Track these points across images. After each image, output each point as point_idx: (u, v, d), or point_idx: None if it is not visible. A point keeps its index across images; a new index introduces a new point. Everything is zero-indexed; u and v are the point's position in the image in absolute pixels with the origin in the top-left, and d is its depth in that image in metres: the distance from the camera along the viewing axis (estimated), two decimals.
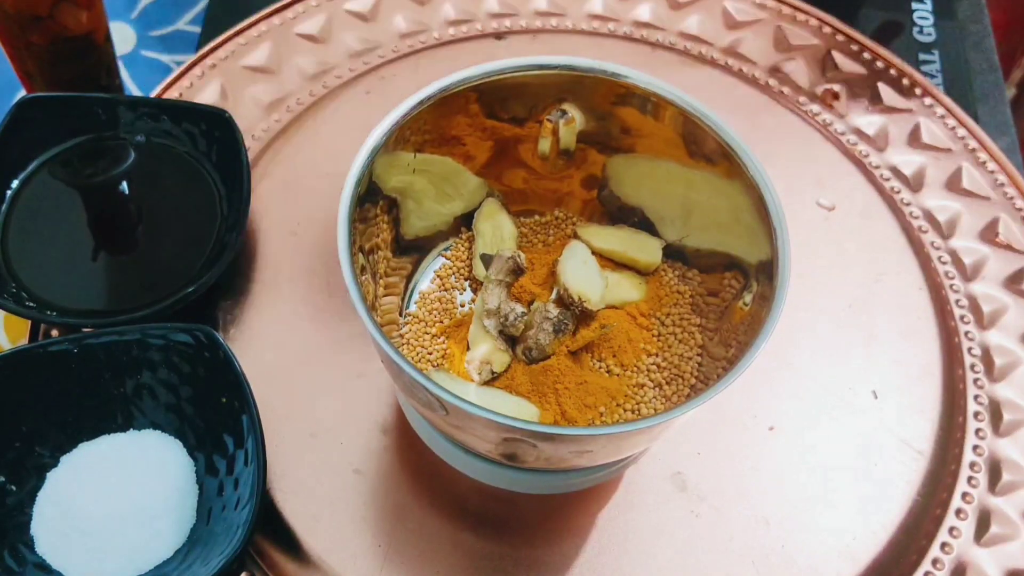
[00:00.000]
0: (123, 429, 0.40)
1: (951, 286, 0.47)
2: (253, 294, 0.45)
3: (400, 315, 0.41)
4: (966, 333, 0.46)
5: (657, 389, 0.39)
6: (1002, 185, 0.50)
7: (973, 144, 0.52)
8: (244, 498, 0.37)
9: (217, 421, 0.39)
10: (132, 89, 0.69)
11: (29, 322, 0.43)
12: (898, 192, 0.50)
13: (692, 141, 0.39)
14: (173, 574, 0.36)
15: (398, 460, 0.41)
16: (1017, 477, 0.42)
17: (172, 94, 0.51)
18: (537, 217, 0.44)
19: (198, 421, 0.40)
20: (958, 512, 0.41)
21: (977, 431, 0.43)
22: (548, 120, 0.41)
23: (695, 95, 0.38)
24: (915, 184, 0.50)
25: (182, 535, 0.37)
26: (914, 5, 0.64)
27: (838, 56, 0.55)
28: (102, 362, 0.39)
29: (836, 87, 0.54)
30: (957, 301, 0.47)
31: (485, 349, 0.39)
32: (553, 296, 0.41)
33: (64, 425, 0.39)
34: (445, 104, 0.38)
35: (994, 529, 0.40)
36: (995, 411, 0.43)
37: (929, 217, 0.49)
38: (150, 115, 0.47)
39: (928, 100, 0.54)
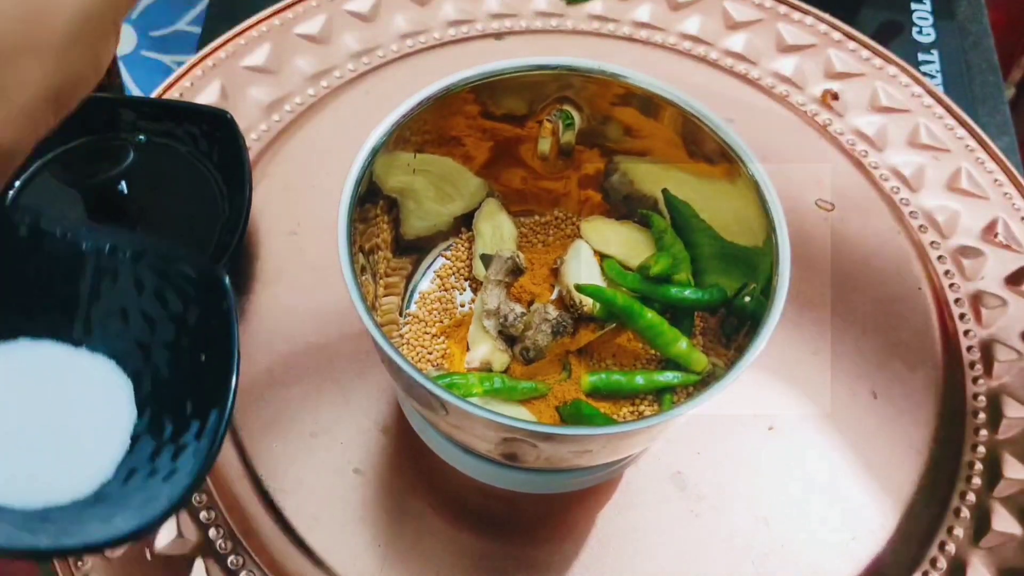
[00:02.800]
0: (74, 343, 0.34)
1: (950, 285, 0.47)
2: (253, 294, 0.45)
3: (400, 315, 0.41)
4: (965, 332, 0.46)
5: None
6: (1001, 185, 0.50)
7: (972, 144, 0.52)
8: (180, 473, 0.31)
9: (186, 378, 0.34)
10: (132, 89, 0.69)
11: None
12: (897, 192, 0.50)
13: (692, 141, 0.39)
14: (59, 522, 0.31)
15: (398, 460, 0.41)
16: (1016, 477, 0.42)
17: (172, 94, 0.51)
18: (537, 217, 0.44)
19: (164, 370, 0.34)
20: (957, 512, 0.41)
21: (976, 431, 0.43)
22: (548, 120, 0.41)
23: (695, 95, 0.38)
24: (914, 184, 0.50)
25: (88, 486, 0.32)
26: (913, 5, 0.64)
27: (838, 56, 0.55)
28: (84, 258, 0.33)
29: (836, 87, 0.54)
30: (956, 300, 0.47)
31: (485, 349, 0.39)
32: (554, 296, 0.41)
33: (9, 310, 0.33)
34: (445, 104, 0.38)
35: (992, 529, 0.40)
36: (994, 411, 0.43)
37: (928, 217, 0.49)
38: (151, 115, 0.47)
39: (927, 100, 0.54)
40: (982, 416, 0.43)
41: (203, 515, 0.39)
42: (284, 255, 0.46)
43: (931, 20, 0.63)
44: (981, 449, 0.42)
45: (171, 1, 0.74)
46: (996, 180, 0.51)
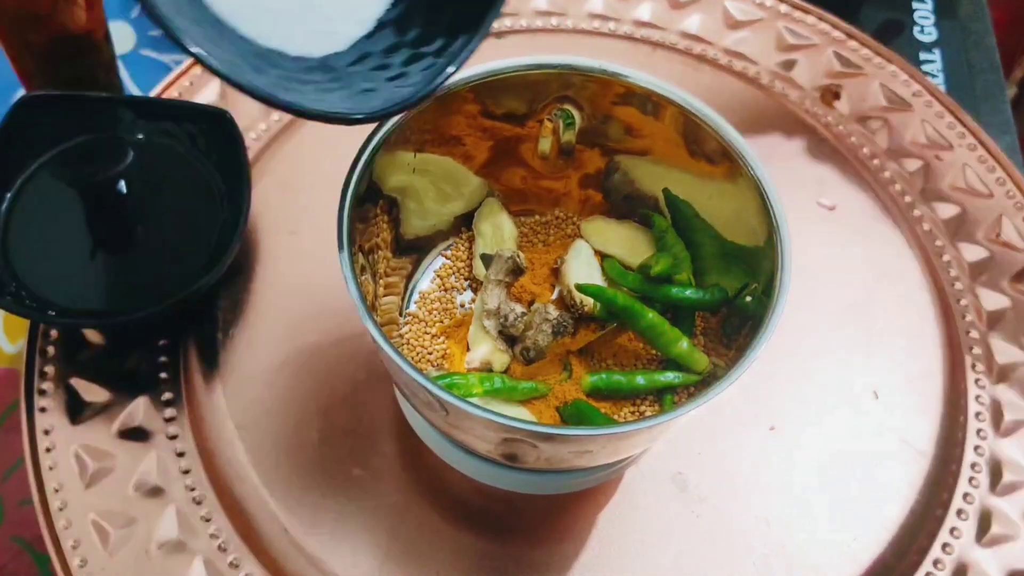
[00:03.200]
0: None
1: (952, 285, 0.47)
2: (253, 294, 0.45)
3: (400, 315, 0.41)
4: (967, 332, 0.46)
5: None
6: (1004, 184, 0.50)
7: (974, 143, 0.52)
8: (406, 79, 0.30)
9: (441, 9, 0.32)
10: (132, 89, 0.69)
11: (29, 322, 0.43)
12: (899, 191, 0.50)
13: (693, 141, 0.38)
14: (282, 73, 0.30)
15: (398, 460, 0.40)
16: (1018, 477, 0.41)
17: (172, 93, 0.51)
18: (537, 217, 0.44)
19: None
20: (959, 512, 0.41)
21: (978, 431, 0.43)
22: (548, 120, 0.41)
23: (695, 95, 0.38)
24: (916, 184, 0.50)
25: (319, 48, 0.31)
26: (915, 4, 0.64)
27: (839, 55, 0.55)
28: None
29: (837, 86, 0.54)
30: (959, 300, 0.47)
31: (485, 349, 0.39)
32: (554, 296, 0.41)
33: None
34: (445, 103, 0.38)
35: (995, 529, 0.40)
36: (996, 411, 0.43)
37: (931, 217, 0.49)
38: (150, 115, 0.47)
39: (929, 99, 0.53)
40: (984, 416, 0.43)
41: (203, 515, 0.39)
42: (284, 255, 0.46)
43: (932, 19, 0.63)
44: (983, 449, 0.42)
45: None
46: (998, 179, 0.50)
